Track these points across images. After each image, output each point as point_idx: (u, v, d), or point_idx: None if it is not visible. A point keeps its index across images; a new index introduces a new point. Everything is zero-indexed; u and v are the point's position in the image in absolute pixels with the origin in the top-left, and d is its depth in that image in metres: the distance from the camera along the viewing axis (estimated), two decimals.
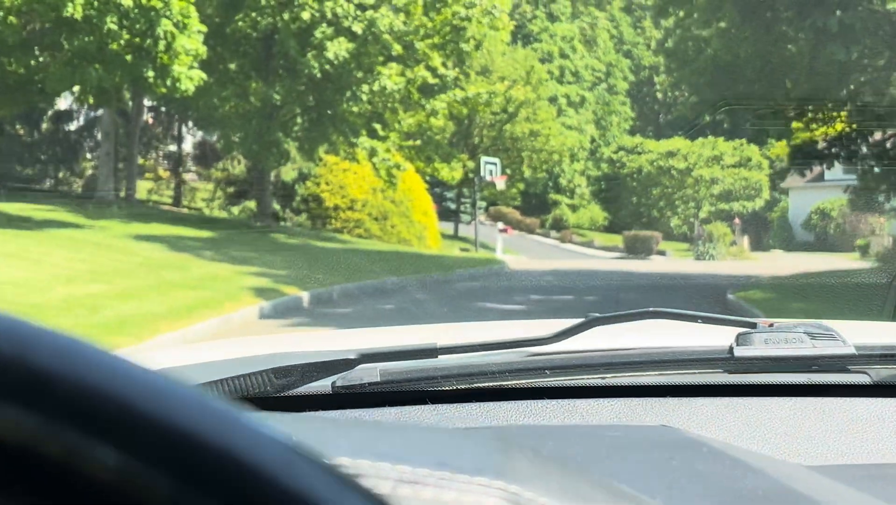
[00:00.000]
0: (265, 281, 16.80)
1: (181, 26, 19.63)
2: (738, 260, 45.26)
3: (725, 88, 19.76)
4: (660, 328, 1.84)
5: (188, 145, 43.52)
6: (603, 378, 1.50)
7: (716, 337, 1.56)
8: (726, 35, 18.75)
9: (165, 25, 19.18)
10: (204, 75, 21.34)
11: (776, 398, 1.48)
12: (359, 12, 25.16)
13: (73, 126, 38.85)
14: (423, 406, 1.45)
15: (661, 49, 21.62)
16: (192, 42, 20.72)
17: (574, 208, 67.42)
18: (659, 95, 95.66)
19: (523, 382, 1.48)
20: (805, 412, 1.46)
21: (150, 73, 19.65)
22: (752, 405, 1.47)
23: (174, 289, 14.49)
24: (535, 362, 1.49)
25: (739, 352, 1.45)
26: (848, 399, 1.49)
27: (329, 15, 24.89)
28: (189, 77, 20.58)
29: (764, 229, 61.87)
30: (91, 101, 22.96)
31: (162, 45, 19.51)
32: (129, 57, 19.51)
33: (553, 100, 58.33)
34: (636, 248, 49.65)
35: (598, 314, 1.62)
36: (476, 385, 1.47)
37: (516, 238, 51.79)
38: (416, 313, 15.22)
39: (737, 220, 54.61)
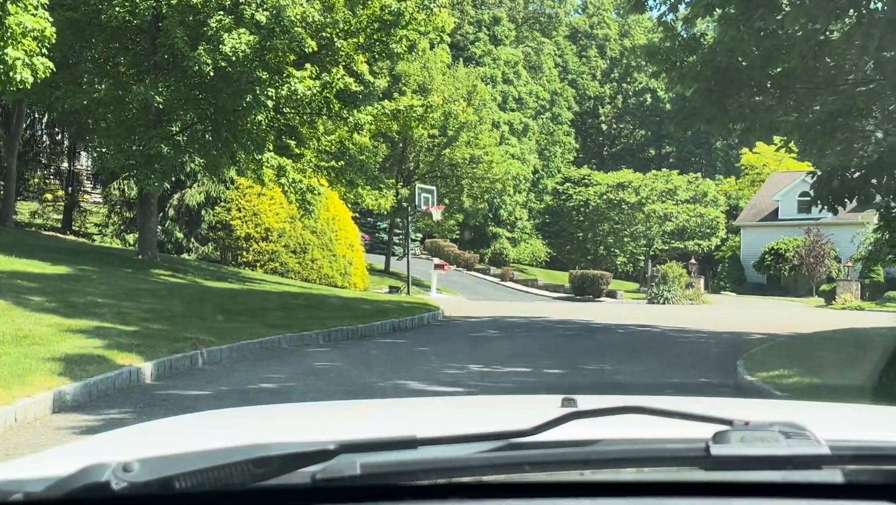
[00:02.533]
0: (95, 343, 11.84)
1: None
2: (696, 304, 41.01)
3: (725, 98, 15.31)
4: (637, 417, 1.67)
5: (86, 162, 38.16)
6: (581, 474, 1.49)
7: (693, 429, 1.58)
8: (729, 26, 14.28)
9: None
10: (51, 65, 16.35)
11: (751, 499, 1.49)
12: None
13: None
14: (402, 503, 1.45)
15: (645, 51, 16.97)
16: (36, 20, 15.78)
17: (514, 242, 63.42)
18: (604, 127, 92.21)
19: (503, 477, 1.49)
20: None
21: None
22: None
23: None
24: (515, 458, 1.49)
25: (716, 450, 1.45)
26: (822, 501, 1.49)
27: (227, 0, 20.08)
28: (29, 66, 15.60)
29: (711, 269, 57.90)
30: None
31: None
32: None
33: (496, 126, 53.96)
34: (584, 289, 45.27)
35: (576, 403, 1.79)
36: (456, 480, 1.47)
37: (453, 275, 47.11)
38: (305, 397, 10.41)
39: (693, 261, 50.42)
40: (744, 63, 15.50)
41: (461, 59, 58.02)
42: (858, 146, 14.16)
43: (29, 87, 15.97)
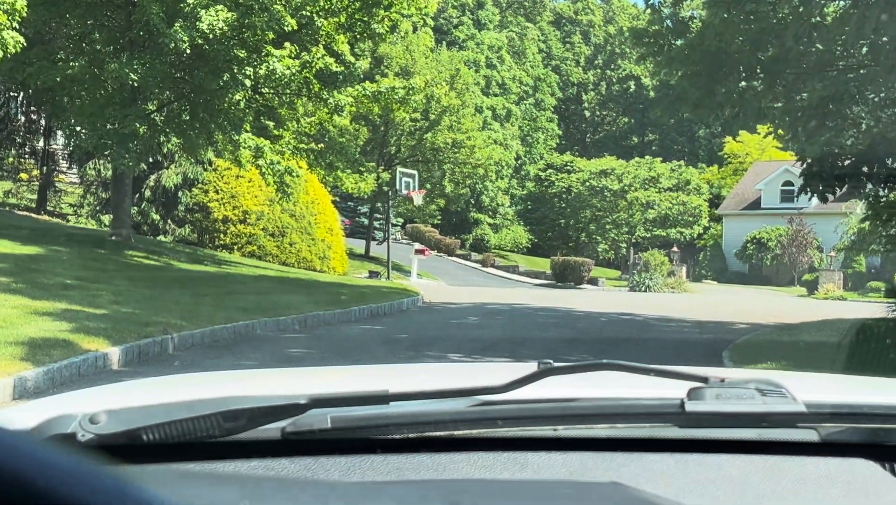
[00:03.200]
0: (62, 326, 11.41)
1: None
2: (677, 292, 40.81)
3: (714, 82, 14.95)
4: (612, 379, 1.68)
5: (61, 141, 37.48)
6: (555, 430, 1.49)
7: (668, 389, 1.54)
8: (719, 8, 13.92)
9: None
10: (21, 39, 15.84)
11: (726, 455, 1.49)
12: None
13: None
14: (373, 455, 1.44)
15: (632, 34, 16.60)
16: None
17: (496, 228, 63.13)
18: (587, 114, 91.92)
19: (475, 432, 1.47)
20: (755, 470, 1.47)
21: None
22: (702, 462, 1.48)
23: None
24: (488, 413, 1.47)
25: (691, 407, 1.43)
26: (797, 457, 1.50)
27: None
28: None
29: (692, 257, 57.78)
30: None
31: None
32: None
33: (478, 111, 53.53)
34: (565, 276, 45.04)
35: (551, 361, 1.60)
36: (427, 434, 1.46)
37: (434, 260, 46.72)
38: None
39: (675, 249, 50.20)
40: (733, 47, 15.14)
41: (444, 43, 57.59)
42: (849, 133, 13.82)
43: None
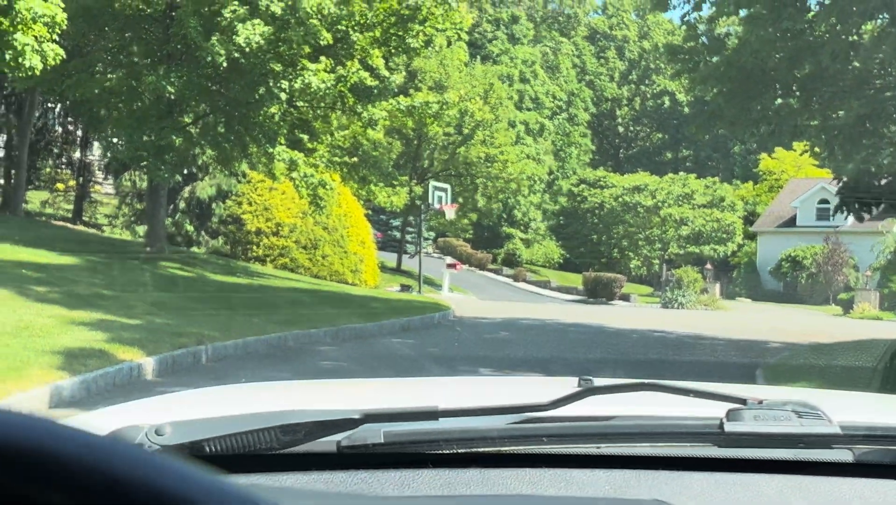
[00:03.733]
0: (97, 336, 11.53)
1: None
2: (711, 310, 40.53)
3: (749, 100, 14.89)
4: (651, 397, 1.72)
5: (98, 152, 37.85)
6: (598, 448, 1.52)
7: (706, 409, 1.58)
8: (756, 25, 13.87)
9: None
10: (61, 52, 16.05)
11: (763, 474, 1.52)
12: None
13: None
14: (424, 470, 1.48)
15: (668, 50, 16.57)
16: (48, 6, 15.47)
17: (528, 243, 62.95)
18: (620, 129, 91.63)
19: (522, 448, 1.51)
20: (791, 490, 1.50)
21: None
22: (740, 481, 1.51)
23: None
24: (534, 430, 1.52)
25: (730, 427, 1.47)
26: (832, 478, 1.52)
27: None
28: (38, 52, 15.29)
29: (725, 274, 57.41)
30: None
31: None
32: None
33: (511, 125, 53.51)
34: (597, 292, 44.86)
35: (592, 382, 1.77)
36: (476, 450, 1.50)
37: (466, 274, 46.70)
38: None
39: (709, 266, 49.90)
40: (769, 64, 15.08)
41: (478, 57, 57.68)
42: (886, 152, 13.72)
43: (38, 73, 15.67)
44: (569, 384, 2.04)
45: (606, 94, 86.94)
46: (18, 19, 15.10)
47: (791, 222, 56.89)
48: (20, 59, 15.17)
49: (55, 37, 16.19)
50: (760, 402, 1.57)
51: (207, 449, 1.39)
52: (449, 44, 44.84)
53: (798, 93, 15.14)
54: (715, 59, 16.12)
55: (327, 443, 1.46)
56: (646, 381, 1.67)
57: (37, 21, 15.30)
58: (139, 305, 14.63)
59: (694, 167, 79.24)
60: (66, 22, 16.00)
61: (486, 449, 1.50)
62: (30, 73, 15.52)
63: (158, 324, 13.30)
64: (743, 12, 14.57)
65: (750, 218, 61.80)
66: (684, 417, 1.61)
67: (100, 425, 1.52)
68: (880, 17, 13.38)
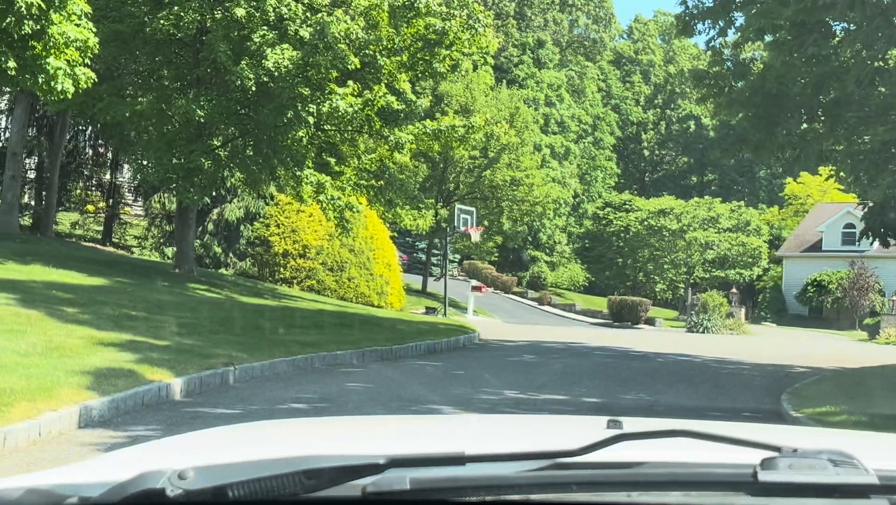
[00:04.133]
0: (126, 357, 11.67)
1: (54, 3, 14.62)
2: (737, 334, 40.37)
3: (774, 125, 14.95)
4: (684, 442, 1.69)
5: (128, 174, 38.29)
6: (629, 496, 1.49)
7: (740, 454, 1.57)
8: (782, 51, 13.94)
9: None
10: (93, 75, 16.31)
11: None
12: (308, 15, 20.29)
13: None
14: None
15: (693, 75, 16.66)
16: (80, 31, 15.73)
17: (553, 266, 63.04)
18: (646, 153, 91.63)
19: (550, 496, 1.49)
20: None
21: (10, 65, 14.61)
22: None
23: None
24: (563, 477, 1.50)
25: (763, 476, 1.45)
26: None
27: (271, 15, 20.00)
28: (70, 75, 15.55)
29: (751, 299, 57.22)
30: None
31: (28, 26, 14.51)
32: None
33: (537, 148, 53.69)
34: (622, 316, 44.83)
35: (621, 424, 1.83)
36: (504, 497, 1.47)
37: (491, 297, 46.76)
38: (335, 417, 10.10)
39: (734, 290, 49.75)
40: (794, 90, 15.14)
41: (504, 81, 57.90)
42: None
43: (70, 97, 15.91)
44: (597, 425, 2.07)
45: (632, 117, 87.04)
46: (51, 43, 15.37)
47: (816, 247, 56.74)
48: (52, 83, 15.41)
49: (87, 60, 16.45)
50: (795, 450, 1.54)
51: (230, 494, 1.38)
52: (475, 68, 45.08)
53: (823, 118, 15.18)
54: (740, 83, 16.20)
55: (352, 488, 1.44)
56: (678, 427, 1.65)
57: (69, 45, 15.56)
58: (167, 326, 14.79)
59: (719, 191, 79.13)
60: (97, 46, 16.25)
61: (515, 497, 1.48)
62: (62, 97, 15.77)
63: (187, 345, 13.44)
64: (768, 37, 14.64)
65: (775, 242, 61.67)
66: (717, 463, 1.59)
67: (124, 468, 1.54)
68: None
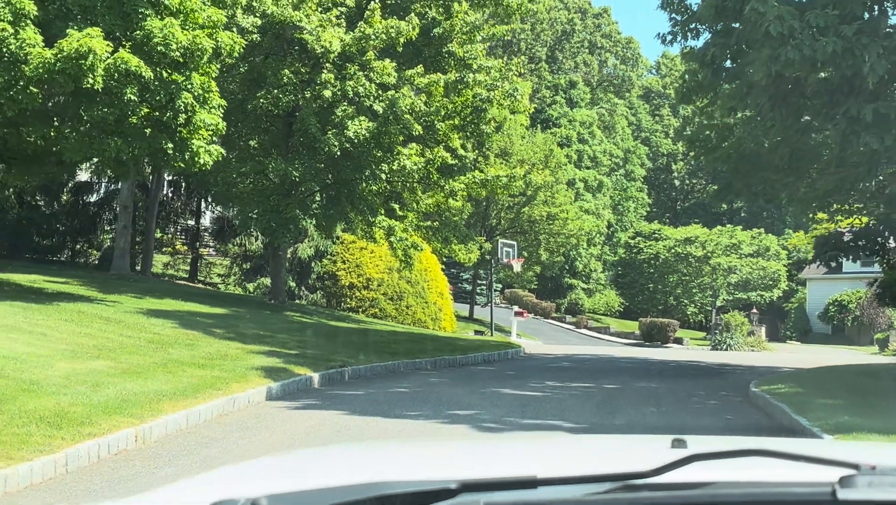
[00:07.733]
0: (275, 360, 16.43)
1: (201, 100, 19.55)
2: (756, 351, 44.59)
3: (749, 177, 19.57)
4: (755, 460, 1.75)
5: (207, 220, 43.55)
6: None
7: (815, 472, 1.55)
8: (752, 122, 18.60)
9: (186, 98, 19.10)
10: (223, 150, 21.23)
11: None
12: (380, 92, 25.16)
13: (93, 198, 38.75)
14: None
15: (681, 136, 21.38)
16: (212, 117, 20.64)
17: (590, 293, 67.21)
18: (676, 183, 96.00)
19: None
20: None
21: (169, 147, 19.52)
22: None
23: (181, 367, 14.15)
24: (636, 499, 1.49)
25: (843, 494, 1.41)
26: None
27: (350, 94, 24.90)
28: (208, 151, 20.45)
29: (780, 320, 61.26)
30: (109, 172, 22.99)
31: (182, 118, 19.42)
32: (148, 129, 19.41)
33: (571, 183, 58.26)
34: (652, 336, 49.13)
35: (686, 443, 1.77)
36: None
37: (531, 322, 51.33)
38: (428, 398, 14.80)
39: (754, 311, 54.02)
40: (764, 149, 19.75)
41: (539, 121, 62.57)
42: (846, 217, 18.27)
43: (209, 168, 20.79)
44: (662, 444, 2.10)
45: (662, 149, 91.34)
46: (193, 128, 20.29)
47: (838, 269, 60.67)
48: (196, 159, 20.28)
49: (214, 139, 21.35)
50: (873, 467, 1.50)
51: None
52: (512, 113, 49.88)
53: (789, 171, 19.79)
54: (725, 144, 20.86)
55: None
56: (752, 447, 1.63)
57: (206, 129, 20.45)
58: (290, 342, 19.56)
59: (748, 217, 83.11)
60: (225, 129, 21.15)
61: None
62: (203, 168, 20.65)
63: (310, 353, 18.21)
64: (739, 115, 19.30)
65: (801, 265, 65.71)
66: (793, 482, 1.56)
67: (198, 496, 1.64)
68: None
